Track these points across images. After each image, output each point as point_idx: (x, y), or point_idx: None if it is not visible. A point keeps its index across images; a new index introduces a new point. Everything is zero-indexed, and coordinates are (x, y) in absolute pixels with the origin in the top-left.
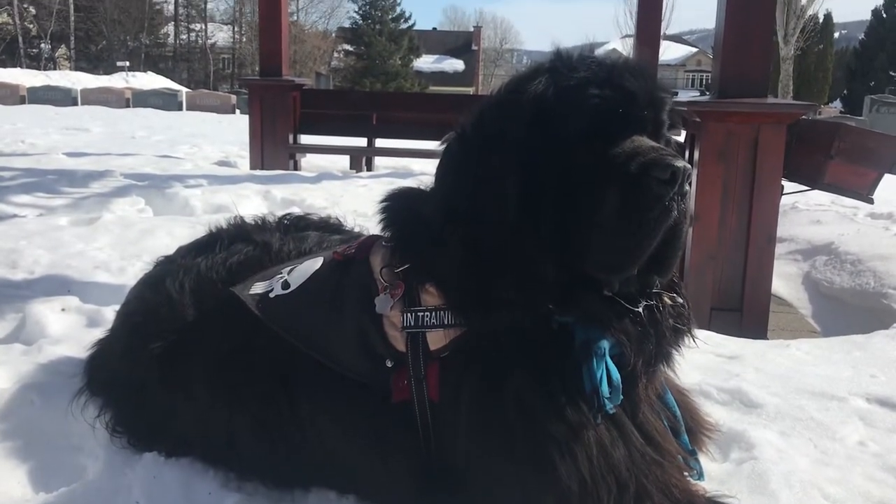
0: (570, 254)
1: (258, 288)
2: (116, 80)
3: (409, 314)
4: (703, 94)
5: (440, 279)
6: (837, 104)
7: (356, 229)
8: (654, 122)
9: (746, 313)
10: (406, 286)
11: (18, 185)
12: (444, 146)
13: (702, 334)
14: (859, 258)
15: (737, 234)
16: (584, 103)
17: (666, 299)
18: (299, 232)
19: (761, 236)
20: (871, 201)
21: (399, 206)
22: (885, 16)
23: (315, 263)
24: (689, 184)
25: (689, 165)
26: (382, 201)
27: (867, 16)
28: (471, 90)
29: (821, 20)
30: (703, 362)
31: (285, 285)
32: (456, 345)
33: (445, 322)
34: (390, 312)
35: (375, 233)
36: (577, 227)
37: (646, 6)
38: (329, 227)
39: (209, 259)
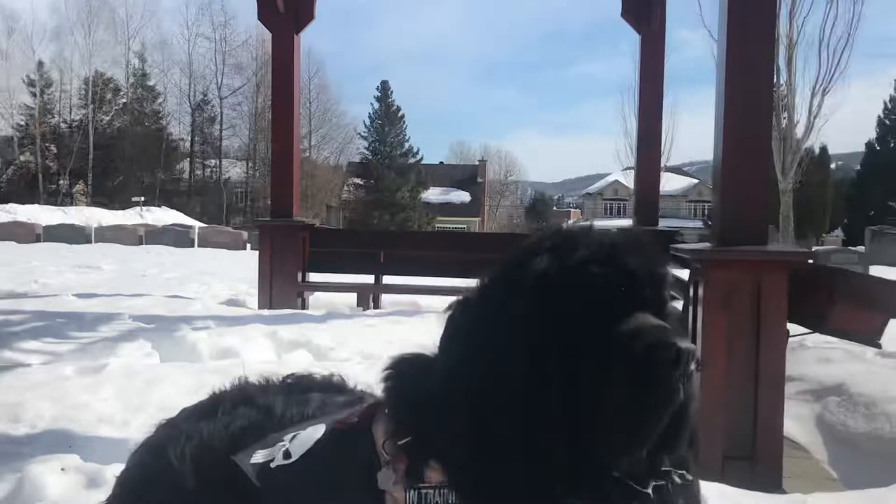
0: (578, 435)
1: (260, 456)
2: (131, 215)
3: (412, 491)
4: (705, 224)
5: (443, 456)
6: (839, 233)
7: (359, 387)
8: (656, 299)
9: (760, 461)
10: (409, 461)
11: (27, 331)
12: (447, 315)
13: (716, 488)
14: (873, 400)
15: (744, 380)
16: (586, 282)
17: (675, 477)
18: (302, 394)
19: (770, 383)
20: (878, 346)
21: (403, 374)
22: (878, 148)
23: (317, 431)
24: (695, 362)
25: (693, 346)
26: (386, 368)
27: (861, 147)
28: (477, 220)
29: (817, 153)
30: None
31: (287, 455)
32: None
33: (450, 501)
34: (393, 488)
35: (378, 395)
36: (583, 408)
37: (645, 141)
38: (332, 388)
39: (211, 424)
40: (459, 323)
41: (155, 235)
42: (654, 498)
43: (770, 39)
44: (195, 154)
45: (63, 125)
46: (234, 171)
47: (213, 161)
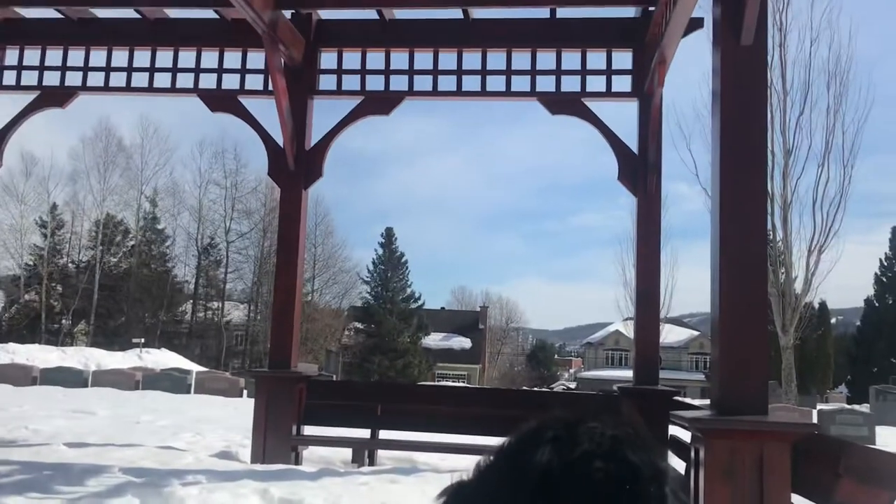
0: None
1: None
2: (130, 357)
3: None
4: (707, 377)
5: None
6: (843, 389)
7: None
8: (657, 498)
9: None
10: None
11: (13, 484)
12: (440, 501)
13: None
14: None
15: None
16: (589, 477)
17: None
18: None
19: None
20: None
21: None
22: (877, 304)
23: None
24: None
25: None
26: None
27: (860, 302)
28: (478, 367)
29: (816, 308)
30: None
31: None
32: None
33: None
34: None
35: None
36: None
37: (644, 299)
38: None
39: None
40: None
41: (152, 380)
42: None
43: (763, 196)
44: (198, 296)
45: (71, 265)
46: (236, 313)
47: (215, 303)
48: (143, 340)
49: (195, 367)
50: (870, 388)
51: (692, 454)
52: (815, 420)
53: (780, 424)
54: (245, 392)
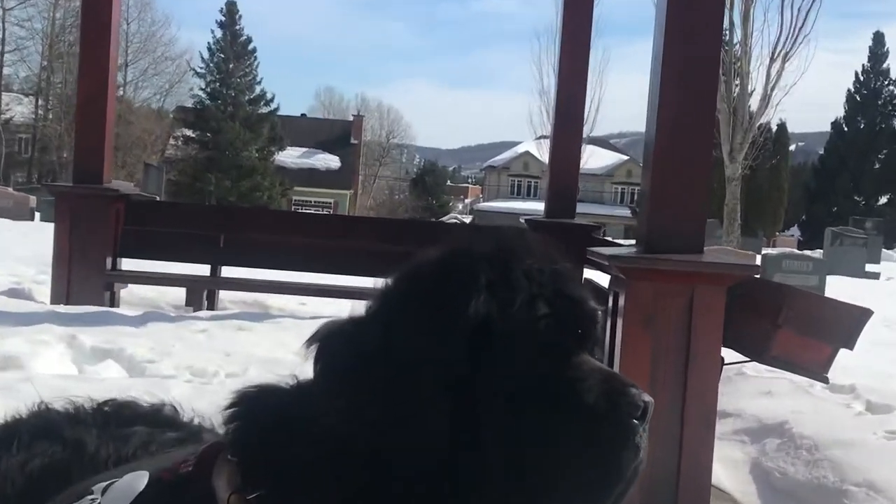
0: (521, 498)
1: None
2: None
3: None
4: (633, 212)
5: None
6: (795, 232)
7: (195, 421)
8: (593, 337)
9: None
10: None
11: None
12: (328, 345)
13: None
14: (816, 444)
15: (668, 417)
16: (535, 324)
17: None
18: (122, 427)
19: (697, 422)
20: (825, 380)
21: (254, 413)
22: (846, 129)
23: (138, 481)
24: None
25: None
26: (231, 405)
27: (826, 127)
28: (348, 193)
29: (773, 131)
30: None
31: None
32: None
33: None
34: None
35: (219, 433)
36: (531, 469)
37: (566, 103)
38: (160, 421)
39: (3, 462)
40: (354, 366)
41: None
42: None
43: None
44: None
45: None
46: (19, 109)
47: None
48: None
49: None
50: (825, 231)
51: (610, 301)
52: (757, 264)
53: (716, 265)
54: (38, 214)
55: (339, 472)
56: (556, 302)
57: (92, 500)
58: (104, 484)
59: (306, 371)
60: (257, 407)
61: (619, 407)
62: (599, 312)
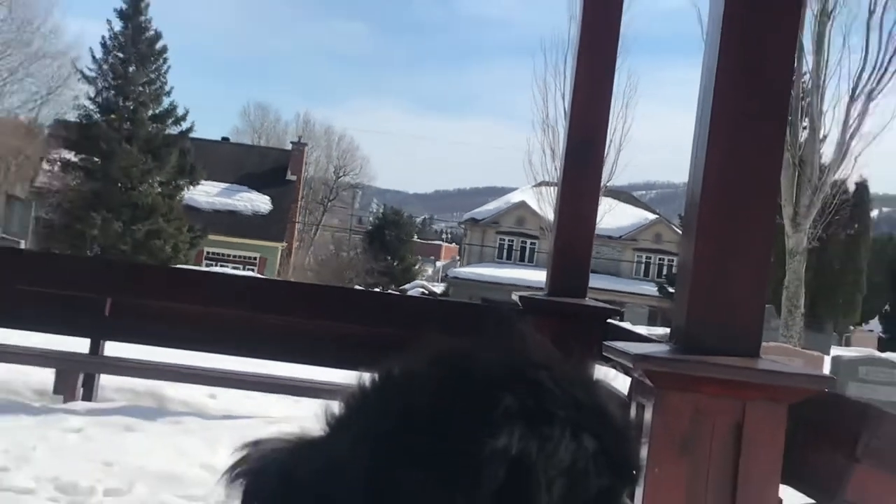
0: None
1: None
2: None
3: None
4: (662, 290)
5: None
6: (876, 325)
7: None
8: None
9: None
10: None
11: None
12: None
13: None
14: None
15: None
16: (582, 463)
17: None
18: None
19: None
20: None
21: None
22: None
23: None
24: None
25: None
26: None
27: None
28: (280, 246)
29: (852, 192)
30: None
31: None
32: None
33: None
34: None
35: None
36: None
37: (579, 144)
38: None
39: None
40: None
41: None
42: None
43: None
44: None
45: None
46: None
47: None
48: None
49: None
50: None
51: (633, 413)
52: (827, 371)
53: (776, 375)
54: None
55: None
56: (602, 432)
57: None
58: None
59: (216, 499)
60: None
61: None
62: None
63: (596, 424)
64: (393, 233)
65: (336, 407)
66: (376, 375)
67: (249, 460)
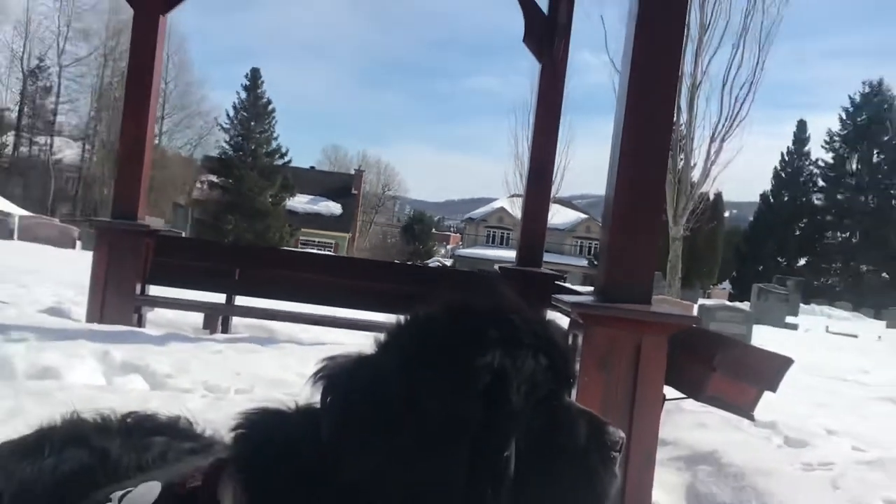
0: None
1: None
2: None
3: None
4: (590, 263)
5: None
6: (727, 286)
7: (208, 433)
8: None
9: None
10: None
11: None
12: (331, 385)
13: None
14: (742, 472)
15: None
16: (539, 374)
17: None
18: (144, 437)
19: (641, 451)
20: (752, 418)
21: (259, 436)
22: (773, 201)
23: (151, 491)
24: None
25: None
26: (238, 426)
27: (756, 197)
28: (347, 236)
29: (711, 199)
30: None
31: None
32: None
33: None
34: None
35: (227, 445)
36: (535, 495)
37: (537, 169)
38: (178, 433)
39: (35, 465)
40: (370, 403)
41: None
42: None
43: (675, 76)
44: (23, 127)
45: None
46: (69, 151)
47: (43, 138)
48: None
49: (18, 211)
50: (753, 286)
51: (570, 341)
52: (695, 314)
53: (662, 315)
54: (79, 243)
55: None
56: (552, 354)
57: None
58: (121, 493)
59: (307, 394)
60: (262, 430)
61: (604, 444)
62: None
63: (547, 349)
64: (419, 227)
65: (382, 336)
66: (407, 316)
67: (326, 369)
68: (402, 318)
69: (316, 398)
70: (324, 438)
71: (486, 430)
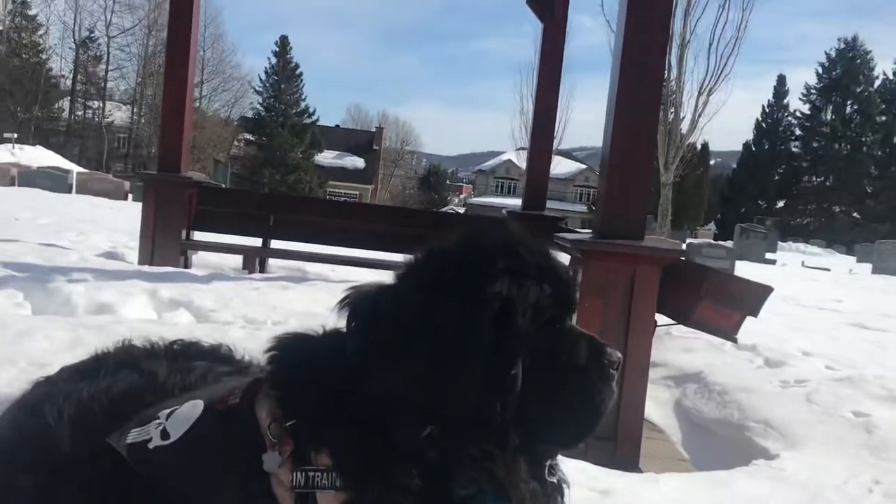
0: (529, 433)
1: (134, 435)
2: (2, 152)
3: (298, 473)
4: (589, 209)
5: (336, 448)
6: (712, 227)
7: (245, 357)
8: (575, 308)
9: (620, 442)
10: (296, 444)
11: None
12: (355, 310)
13: (579, 465)
14: (725, 389)
15: None
16: (543, 300)
17: (558, 467)
18: (188, 361)
19: (635, 370)
20: (734, 341)
21: (290, 355)
22: (754, 149)
23: (195, 409)
24: None
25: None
26: (272, 348)
27: (739, 147)
28: (370, 187)
29: (699, 149)
30: (578, 497)
31: (164, 434)
32: None
33: (338, 484)
34: (279, 470)
35: (262, 369)
36: (541, 410)
37: (539, 129)
38: (219, 357)
39: (92, 386)
40: (391, 324)
41: (30, 177)
42: (549, 484)
43: (665, 36)
44: (77, 93)
45: None
46: (119, 114)
47: (95, 103)
48: (16, 135)
49: (75, 168)
50: (735, 226)
51: (571, 273)
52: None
53: (653, 249)
54: (130, 196)
55: (363, 412)
56: (555, 282)
57: (158, 423)
58: (168, 410)
59: (333, 323)
60: (294, 352)
61: (603, 364)
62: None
63: (550, 278)
64: (434, 179)
65: (401, 268)
66: (424, 250)
67: (351, 296)
68: (419, 251)
69: (342, 324)
70: (349, 357)
71: (496, 351)
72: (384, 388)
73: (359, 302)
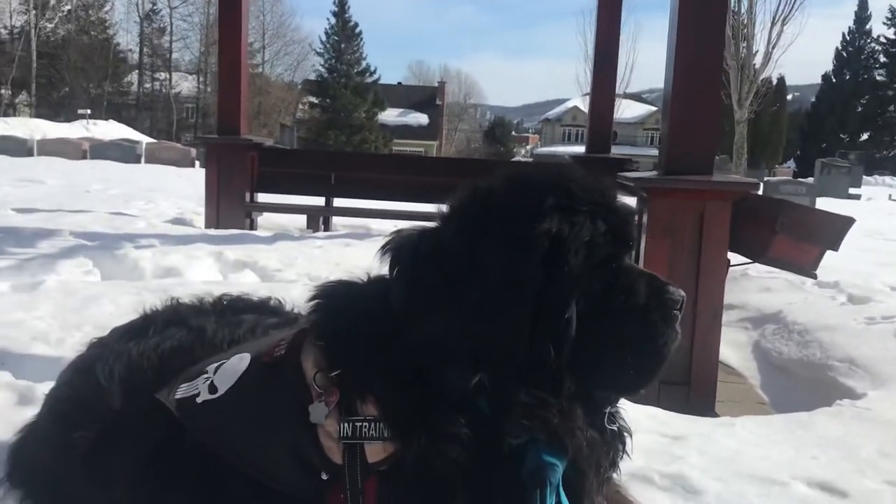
0: (586, 379)
1: (183, 391)
2: (77, 128)
3: (345, 424)
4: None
5: (383, 398)
6: (791, 164)
7: (294, 310)
8: (634, 246)
9: (694, 387)
10: (342, 394)
11: None
12: (397, 255)
13: (649, 411)
14: (806, 328)
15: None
16: (597, 238)
17: (618, 412)
18: (236, 315)
19: (707, 312)
20: (814, 276)
21: (333, 303)
22: (834, 80)
23: (242, 362)
24: None
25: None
26: (314, 297)
27: (818, 79)
28: (434, 143)
29: (774, 83)
30: (647, 444)
31: (212, 388)
32: (396, 458)
33: (385, 434)
34: (325, 421)
35: (306, 319)
36: (597, 354)
37: (600, 67)
38: (266, 310)
39: (141, 344)
40: (434, 269)
41: (100, 150)
42: (609, 432)
43: None
44: (144, 66)
45: (3, 31)
46: (185, 85)
47: (162, 74)
48: (89, 111)
49: (144, 138)
50: (816, 161)
51: (636, 214)
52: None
53: (722, 183)
54: (197, 163)
55: (409, 362)
56: (609, 218)
57: (206, 377)
58: (216, 364)
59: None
60: (338, 299)
61: (664, 302)
62: (634, 222)
63: (605, 214)
64: (500, 131)
65: (445, 209)
66: (468, 189)
67: (393, 241)
68: (464, 191)
69: (385, 270)
70: (393, 304)
71: (547, 293)
72: (428, 335)
73: (401, 247)
